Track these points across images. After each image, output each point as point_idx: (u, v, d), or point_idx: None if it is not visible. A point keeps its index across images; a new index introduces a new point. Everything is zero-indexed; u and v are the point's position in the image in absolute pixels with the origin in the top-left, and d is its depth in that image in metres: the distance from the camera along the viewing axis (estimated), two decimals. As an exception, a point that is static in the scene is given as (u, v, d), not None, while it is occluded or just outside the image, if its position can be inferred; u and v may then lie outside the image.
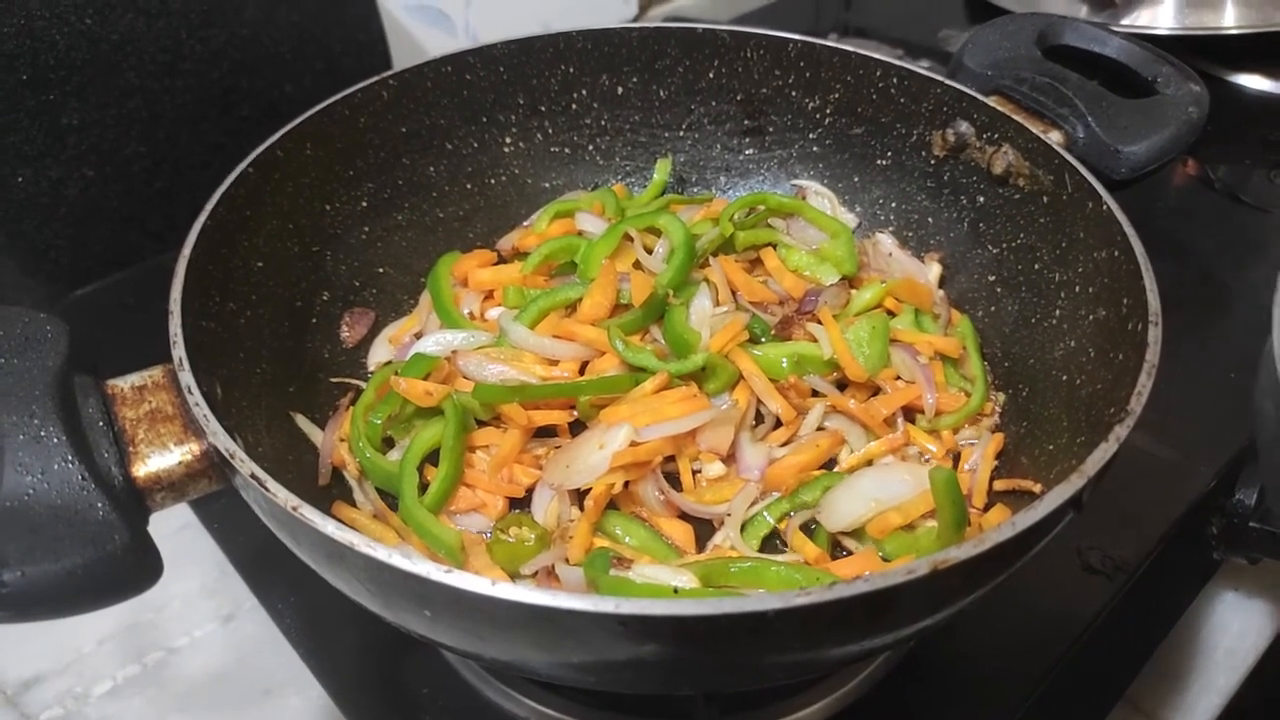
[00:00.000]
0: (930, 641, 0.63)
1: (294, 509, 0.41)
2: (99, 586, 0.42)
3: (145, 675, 0.67)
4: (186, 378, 0.47)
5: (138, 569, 0.44)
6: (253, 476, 0.43)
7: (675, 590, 0.49)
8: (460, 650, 0.50)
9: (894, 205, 0.74)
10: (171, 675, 0.67)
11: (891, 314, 0.69)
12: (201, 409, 0.46)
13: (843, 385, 0.65)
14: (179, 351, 0.48)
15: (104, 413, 0.46)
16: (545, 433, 0.63)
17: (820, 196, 0.76)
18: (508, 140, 0.77)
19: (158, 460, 0.46)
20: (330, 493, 0.61)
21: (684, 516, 0.60)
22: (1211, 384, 0.72)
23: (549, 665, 0.46)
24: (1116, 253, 0.56)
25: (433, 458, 0.60)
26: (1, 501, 0.42)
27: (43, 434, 0.43)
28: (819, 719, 0.60)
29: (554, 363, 0.65)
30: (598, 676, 0.46)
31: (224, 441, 0.44)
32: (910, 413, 0.65)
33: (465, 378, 0.64)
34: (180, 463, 0.46)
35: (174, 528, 0.73)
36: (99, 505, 0.42)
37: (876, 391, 0.65)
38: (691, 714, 0.59)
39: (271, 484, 0.42)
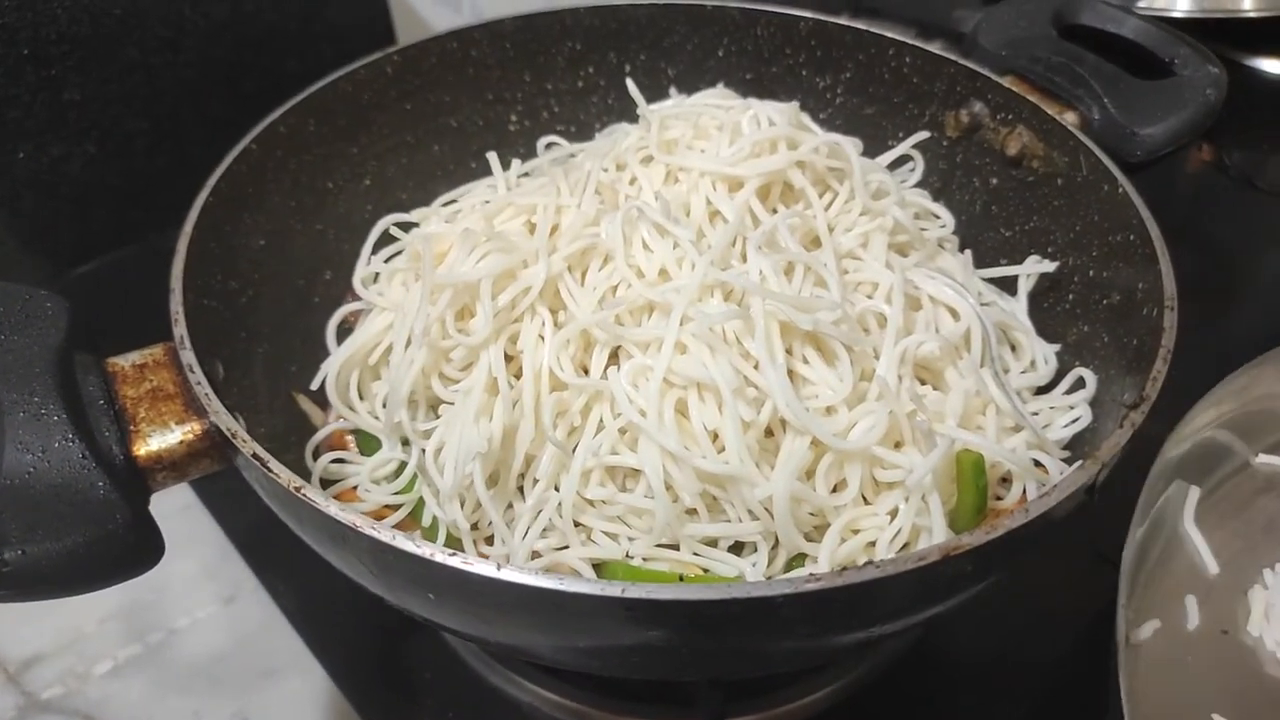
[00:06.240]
0: (939, 629, 0.63)
1: (296, 489, 0.41)
2: (100, 565, 0.42)
3: (146, 655, 0.66)
4: (188, 356, 0.46)
5: (139, 548, 0.43)
6: (255, 456, 0.42)
7: (680, 577, 0.49)
8: (464, 633, 0.49)
9: (904, 186, 0.73)
10: (172, 656, 0.66)
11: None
12: (203, 388, 0.45)
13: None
14: (180, 329, 0.48)
15: (104, 391, 0.46)
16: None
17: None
18: (513, 118, 0.76)
19: (159, 439, 0.45)
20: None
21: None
22: (1224, 372, 0.71)
23: (554, 649, 0.45)
24: (1132, 236, 0.55)
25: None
26: (2, 480, 0.41)
27: (43, 412, 0.43)
28: (824, 706, 0.60)
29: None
30: (603, 661, 0.46)
31: (226, 421, 0.44)
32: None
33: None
34: (181, 442, 0.45)
35: (175, 508, 0.72)
36: (100, 484, 0.42)
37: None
38: (694, 700, 0.58)
39: (274, 464, 0.42)
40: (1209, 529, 0.56)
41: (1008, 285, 0.65)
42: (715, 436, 0.50)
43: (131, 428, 0.45)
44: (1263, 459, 0.60)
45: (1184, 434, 0.56)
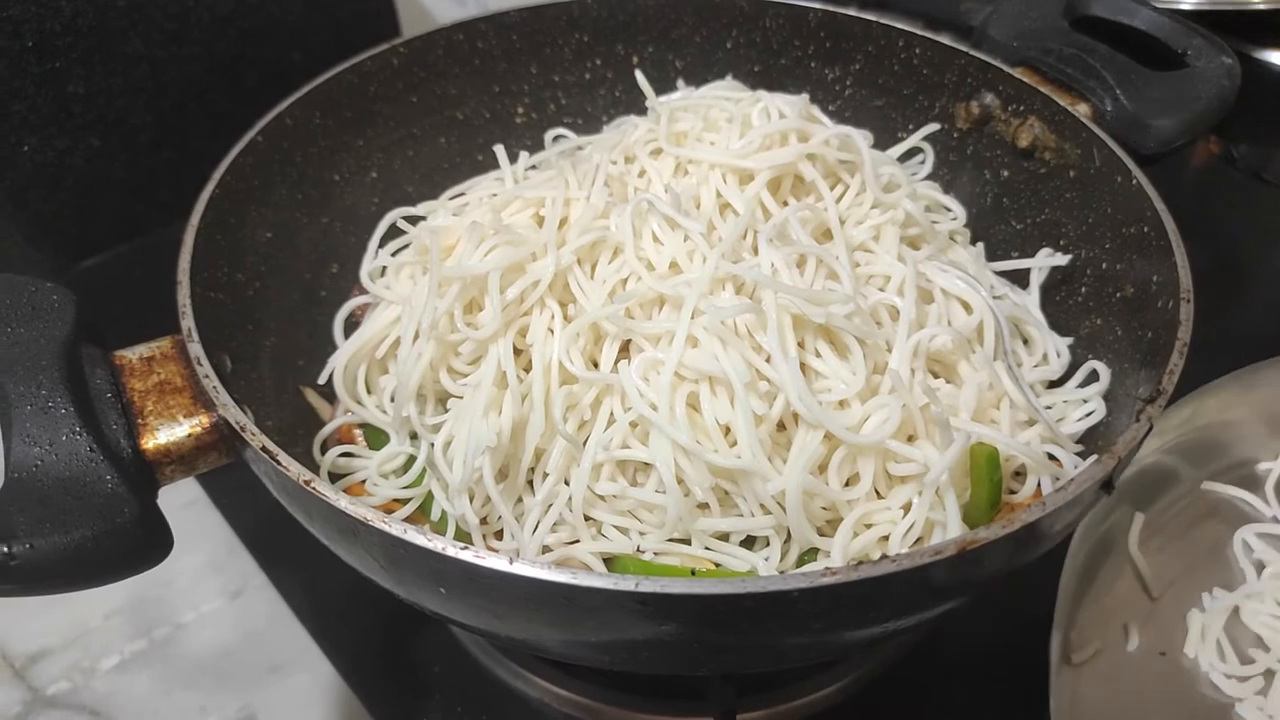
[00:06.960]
0: (951, 623, 0.63)
1: (306, 483, 0.41)
2: (108, 559, 0.42)
3: (152, 650, 0.66)
4: (196, 349, 0.46)
5: (147, 542, 0.43)
6: (264, 450, 0.42)
7: (693, 571, 0.48)
8: (475, 628, 0.49)
9: (915, 179, 0.73)
10: (179, 651, 0.66)
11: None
12: (211, 380, 0.45)
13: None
14: (187, 322, 0.47)
15: (112, 384, 0.45)
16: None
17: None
18: (520, 110, 0.75)
19: (167, 432, 0.45)
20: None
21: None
22: (1231, 365, 0.71)
23: (565, 644, 0.45)
24: (1146, 228, 0.55)
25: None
26: (9, 473, 0.41)
27: (50, 405, 0.42)
28: (837, 700, 0.59)
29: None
30: (615, 656, 0.45)
31: (234, 414, 0.44)
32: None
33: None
34: (189, 435, 0.45)
35: (182, 503, 0.72)
36: (108, 477, 0.42)
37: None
38: (706, 694, 0.58)
39: (283, 457, 0.42)
40: (1152, 553, 0.57)
41: (1020, 278, 0.64)
42: (727, 430, 0.49)
43: (139, 421, 0.45)
44: (1209, 485, 0.61)
45: None
